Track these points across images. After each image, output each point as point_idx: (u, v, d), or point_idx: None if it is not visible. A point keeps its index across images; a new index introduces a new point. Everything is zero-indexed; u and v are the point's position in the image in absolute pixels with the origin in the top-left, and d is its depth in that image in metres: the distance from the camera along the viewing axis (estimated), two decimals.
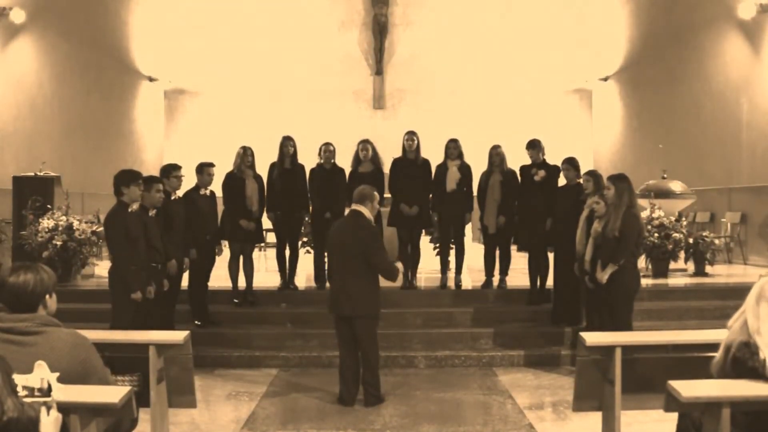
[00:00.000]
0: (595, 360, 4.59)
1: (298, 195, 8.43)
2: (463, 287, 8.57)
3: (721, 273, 9.82)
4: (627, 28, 15.38)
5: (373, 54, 16.85)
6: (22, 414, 2.49)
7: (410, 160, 8.41)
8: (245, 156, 8.20)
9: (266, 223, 8.54)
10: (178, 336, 4.68)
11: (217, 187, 8.06)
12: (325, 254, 8.45)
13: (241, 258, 8.21)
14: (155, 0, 15.88)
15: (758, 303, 3.12)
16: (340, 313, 6.00)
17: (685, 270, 9.74)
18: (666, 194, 9.90)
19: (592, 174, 7.11)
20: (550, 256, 7.96)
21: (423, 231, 8.80)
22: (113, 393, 3.13)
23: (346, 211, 8.10)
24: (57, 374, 2.80)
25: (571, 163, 7.69)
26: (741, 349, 3.12)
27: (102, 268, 7.04)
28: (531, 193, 8.05)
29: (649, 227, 8.91)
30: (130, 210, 6.04)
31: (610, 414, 4.53)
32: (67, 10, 12.46)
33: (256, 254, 8.67)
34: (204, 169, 7.82)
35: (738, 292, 8.24)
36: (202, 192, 7.76)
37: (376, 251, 5.90)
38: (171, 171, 7.32)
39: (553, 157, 8.30)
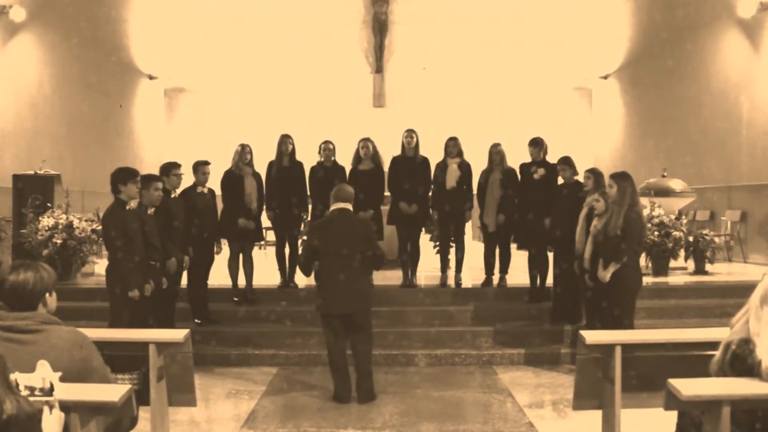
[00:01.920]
0: (595, 358, 4.59)
1: (297, 193, 8.42)
2: (463, 285, 8.57)
3: (721, 271, 9.82)
4: (627, 26, 15.37)
5: (373, 52, 16.83)
6: (20, 411, 2.49)
7: (409, 158, 8.41)
8: (243, 154, 8.20)
9: (266, 221, 8.54)
10: (178, 334, 4.67)
11: (216, 185, 8.06)
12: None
13: (241, 256, 8.21)
14: None
15: (762, 305, 3.09)
16: (348, 311, 5.99)
17: (685, 268, 9.74)
18: (666, 192, 9.90)
19: (593, 172, 7.11)
20: (550, 254, 7.96)
21: (423, 229, 8.79)
22: (113, 391, 3.13)
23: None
24: (59, 374, 2.80)
25: (567, 162, 7.69)
26: (741, 346, 3.11)
27: (102, 266, 7.03)
28: (531, 191, 8.05)
29: (649, 225, 8.91)
30: (127, 208, 6.03)
31: (610, 412, 4.53)
32: (67, 8, 12.44)
33: (256, 252, 8.66)
34: (199, 168, 7.80)
35: (738, 291, 8.31)
36: (199, 190, 7.76)
37: (376, 245, 6.22)
38: (171, 169, 7.33)
39: (553, 155, 8.29)
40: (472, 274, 8.87)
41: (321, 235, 6.09)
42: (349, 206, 6.18)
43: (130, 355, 4.56)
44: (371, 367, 6.17)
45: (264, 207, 8.41)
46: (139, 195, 6.30)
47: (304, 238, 9.56)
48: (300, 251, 6.53)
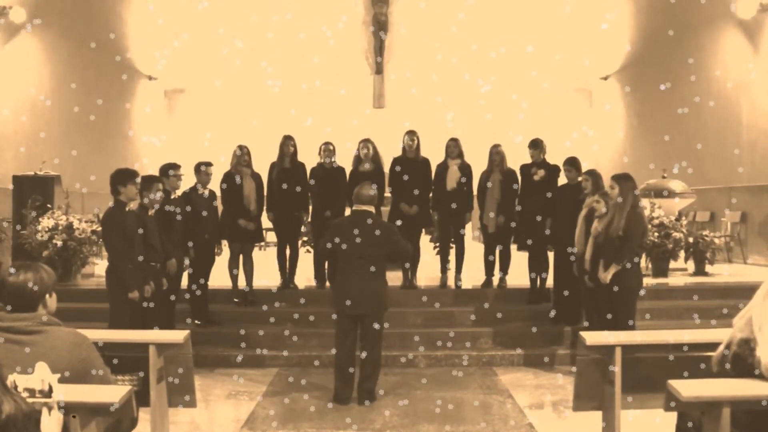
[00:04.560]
0: (596, 359, 4.59)
1: (298, 194, 8.42)
2: (463, 287, 8.57)
3: (721, 272, 9.82)
4: (627, 27, 15.37)
5: (373, 53, 16.84)
6: (19, 411, 2.49)
7: (410, 159, 8.41)
8: (241, 155, 8.21)
9: (266, 222, 8.54)
10: (178, 335, 4.67)
11: (215, 186, 8.06)
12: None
13: (241, 257, 8.21)
14: None
15: (765, 299, 3.11)
16: (359, 312, 6.00)
17: (685, 269, 9.74)
18: (666, 193, 9.90)
19: (591, 173, 7.11)
20: (550, 255, 7.96)
21: (423, 230, 8.79)
22: (113, 393, 3.13)
23: (347, 211, 8.14)
24: (58, 375, 2.80)
25: (572, 164, 7.69)
26: (741, 346, 3.12)
27: (102, 267, 7.04)
28: (531, 192, 8.05)
29: (649, 226, 8.91)
30: (127, 209, 6.02)
31: (610, 414, 4.53)
32: (67, 9, 12.45)
33: (256, 253, 8.67)
34: (201, 169, 7.82)
35: (738, 292, 8.32)
36: (200, 191, 7.76)
37: (399, 241, 6.22)
38: (170, 170, 7.32)
39: (553, 156, 8.30)
40: (472, 275, 8.88)
41: (339, 234, 6.11)
42: (371, 208, 6.17)
43: (130, 356, 4.55)
44: (378, 371, 6.17)
45: (264, 208, 8.41)
46: (140, 196, 6.30)
47: (305, 239, 9.64)
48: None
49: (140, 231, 6.08)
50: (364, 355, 6.09)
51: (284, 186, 8.33)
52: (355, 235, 6.01)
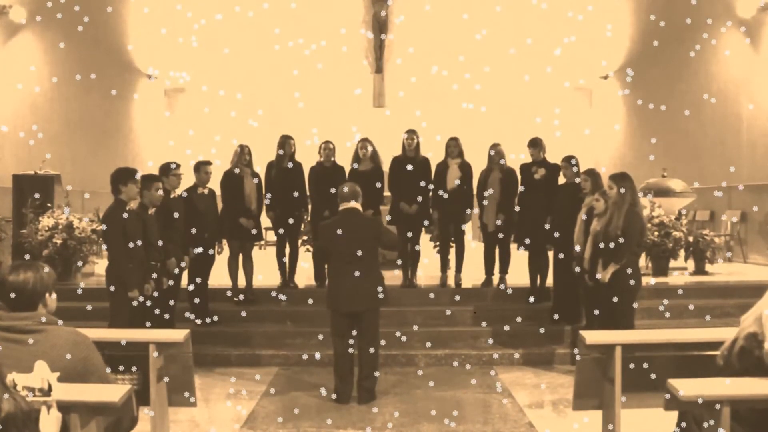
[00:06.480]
0: (595, 358, 4.59)
1: (297, 193, 8.42)
2: (463, 286, 8.57)
3: (721, 271, 9.82)
4: (628, 26, 15.36)
5: (373, 52, 16.82)
6: (18, 409, 2.49)
7: (410, 159, 8.41)
8: (242, 154, 8.22)
9: (266, 221, 8.54)
10: (178, 334, 4.68)
11: (215, 185, 8.07)
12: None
13: (241, 256, 8.21)
14: None
15: None
16: (355, 310, 6.01)
17: (685, 268, 9.73)
18: (666, 192, 9.89)
19: (590, 172, 7.11)
20: (550, 254, 7.96)
21: (423, 229, 8.79)
22: (113, 392, 3.13)
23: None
24: (57, 374, 2.80)
25: (569, 162, 7.70)
26: (748, 339, 3.17)
27: (102, 266, 7.04)
28: (531, 191, 8.05)
29: (649, 225, 8.91)
30: (128, 208, 6.03)
31: (610, 412, 4.53)
32: (67, 8, 12.43)
33: (256, 252, 8.67)
34: (201, 168, 7.83)
35: (738, 291, 8.31)
36: (200, 190, 7.77)
37: (389, 234, 6.35)
38: (170, 169, 7.32)
39: (554, 155, 8.29)
40: (472, 274, 8.88)
41: (328, 236, 6.14)
42: (357, 205, 6.20)
43: (130, 355, 4.56)
44: (377, 369, 6.19)
45: (264, 207, 8.42)
46: (140, 195, 6.30)
47: (305, 238, 9.64)
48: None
49: (141, 230, 6.08)
50: (362, 354, 6.09)
51: (283, 186, 8.34)
52: (343, 235, 6.03)
